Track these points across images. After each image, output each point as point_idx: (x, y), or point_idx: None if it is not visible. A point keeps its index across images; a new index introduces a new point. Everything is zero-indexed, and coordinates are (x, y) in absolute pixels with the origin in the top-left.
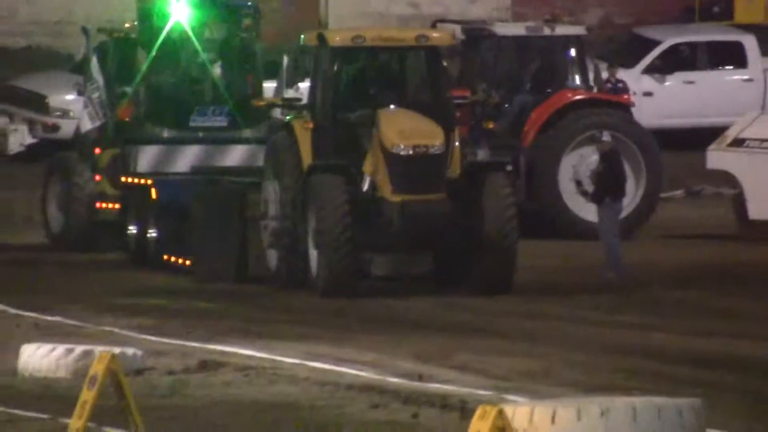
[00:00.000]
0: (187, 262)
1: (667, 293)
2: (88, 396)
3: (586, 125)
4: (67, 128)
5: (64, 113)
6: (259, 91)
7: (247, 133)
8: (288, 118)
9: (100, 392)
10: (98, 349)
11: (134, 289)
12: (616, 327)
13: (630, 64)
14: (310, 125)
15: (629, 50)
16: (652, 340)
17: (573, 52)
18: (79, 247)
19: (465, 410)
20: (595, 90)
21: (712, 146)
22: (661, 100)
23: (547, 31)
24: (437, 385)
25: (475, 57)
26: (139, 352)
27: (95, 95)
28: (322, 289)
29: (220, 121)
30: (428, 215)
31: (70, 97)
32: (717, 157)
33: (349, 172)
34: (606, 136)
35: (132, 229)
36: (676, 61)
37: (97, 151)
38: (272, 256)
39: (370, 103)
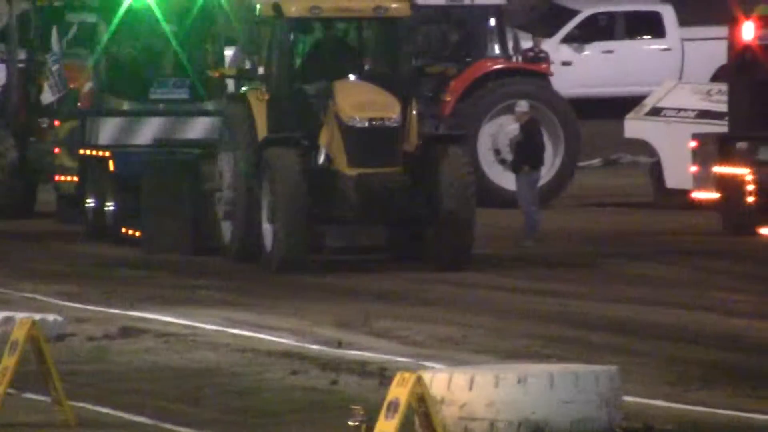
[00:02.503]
0: (137, 234)
1: (584, 260)
2: (8, 362)
3: (505, 94)
4: None
5: None
6: (220, 62)
7: (209, 105)
8: (243, 89)
9: (21, 358)
10: (19, 315)
11: (58, 257)
12: (534, 294)
13: (549, 33)
14: (266, 97)
15: (548, 20)
16: (569, 307)
17: (492, 21)
18: (7, 214)
19: (384, 377)
20: (514, 60)
21: (630, 115)
22: (579, 69)
23: (467, 1)
24: (356, 352)
25: None
26: (60, 318)
27: (55, 67)
28: (277, 263)
29: (181, 93)
30: (384, 188)
31: None
32: (634, 126)
33: (303, 145)
34: (525, 106)
35: (90, 202)
36: (594, 30)
37: (56, 123)
38: (226, 229)
39: (327, 74)
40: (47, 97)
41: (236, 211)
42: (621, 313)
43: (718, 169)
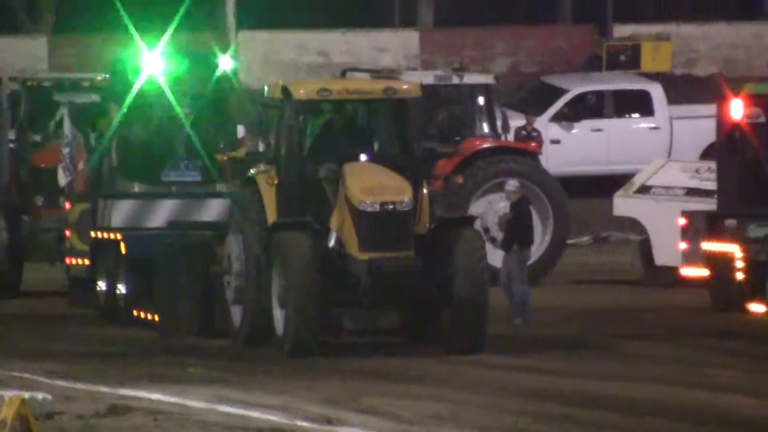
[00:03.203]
0: (156, 317)
1: (574, 337)
2: None
3: (494, 173)
4: None
5: None
6: (233, 145)
7: (222, 187)
8: (252, 172)
9: None
10: (8, 393)
11: (47, 335)
12: (523, 371)
13: (538, 112)
14: (275, 181)
15: (537, 98)
16: (558, 384)
17: (481, 100)
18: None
19: None
20: (503, 138)
21: (619, 193)
22: (568, 147)
23: (455, 80)
24: (346, 428)
25: None
26: (49, 397)
27: (67, 150)
28: (289, 348)
29: (194, 176)
30: (396, 273)
31: None
32: (623, 204)
33: (314, 229)
34: (515, 185)
35: (101, 285)
36: (583, 109)
37: (67, 205)
38: (236, 313)
39: (336, 157)
40: (61, 179)
41: (246, 295)
42: (609, 390)
43: (708, 246)
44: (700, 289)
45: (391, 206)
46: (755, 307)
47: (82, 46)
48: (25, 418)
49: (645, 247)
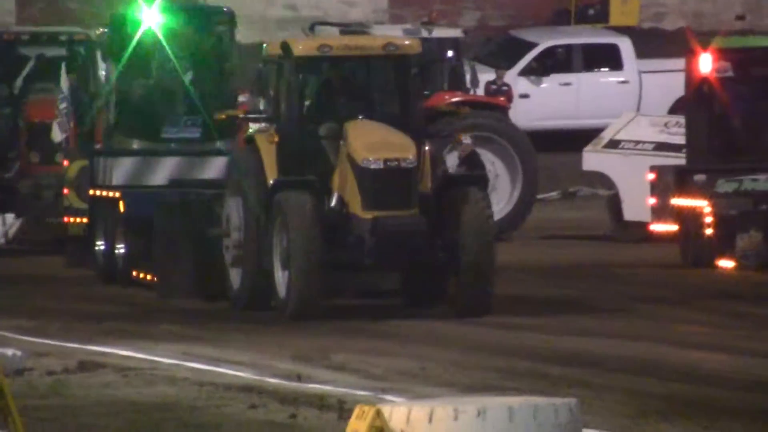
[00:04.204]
0: (155, 278)
1: (542, 293)
2: None
3: (462, 127)
4: None
5: None
6: (233, 101)
7: (222, 144)
8: (250, 131)
9: None
10: None
11: (13, 289)
12: (492, 327)
13: (506, 66)
14: (275, 139)
15: (505, 52)
16: (527, 340)
17: (450, 54)
18: None
19: (343, 410)
20: (471, 93)
21: (588, 148)
22: (537, 101)
23: (424, 34)
24: (315, 386)
25: None
26: (19, 353)
27: (63, 105)
28: (291, 310)
29: (193, 133)
30: (401, 232)
31: None
32: (592, 159)
33: (316, 188)
34: (467, 139)
35: (100, 245)
36: (552, 63)
37: (65, 163)
38: (235, 276)
39: (337, 115)
40: (56, 135)
41: (246, 257)
42: (579, 346)
43: (677, 202)
44: (669, 244)
45: (395, 163)
46: (724, 263)
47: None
48: None
49: (614, 202)
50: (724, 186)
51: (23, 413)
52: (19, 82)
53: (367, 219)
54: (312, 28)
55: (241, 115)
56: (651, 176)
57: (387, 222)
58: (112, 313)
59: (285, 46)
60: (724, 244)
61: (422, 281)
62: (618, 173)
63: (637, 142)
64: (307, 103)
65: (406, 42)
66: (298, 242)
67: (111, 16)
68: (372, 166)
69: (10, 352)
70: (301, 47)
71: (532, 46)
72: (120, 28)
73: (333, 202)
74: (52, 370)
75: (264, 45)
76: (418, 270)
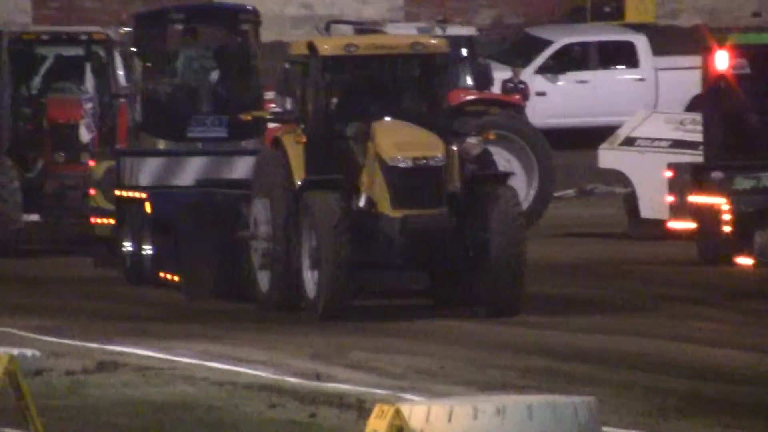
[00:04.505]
0: (176, 279)
1: (560, 291)
2: None
3: (477, 125)
4: None
5: None
6: (258, 101)
7: (249, 144)
8: (277, 132)
9: None
10: None
11: (34, 290)
12: (510, 325)
13: (523, 64)
14: (303, 139)
15: (522, 50)
16: (545, 337)
17: (464, 52)
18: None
19: (362, 409)
20: (487, 91)
21: (604, 145)
22: (553, 99)
23: (438, 32)
24: (334, 385)
25: None
26: (38, 353)
27: (89, 106)
28: (322, 310)
29: (219, 132)
30: (430, 230)
31: None
32: (609, 156)
33: (343, 188)
34: (475, 139)
35: (127, 246)
36: (568, 61)
37: (92, 163)
38: (263, 278)
39: (364, 114)
40: (84, 136)
41: (275, 258)
42: (598, 344)
43: (694, 199)
44: (687, 242)
45: (423, 161)
46: (742, 260)
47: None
48: (14, 374)
49: (631, 200)
50: (742, 183)
51: (42, 413)
52: (37, 81)
53: (396, 218)
54: (327, 26)
55: (267, 116)
56: (668, 174)
57: (416, 221)
58: (133, 314)
59: (311, 46)
60: (742, 241)
61: (451, 280)
62: (634, 171)
63: (654, 140)
64: (333, 102)
65: (433, 41)
66: (327, 242)
67: (136, 15)
68: (401, 165)
69: (29, 352)
70: (327, 47)
71: (548, 43)
72: (145, 28)
73: (361, 202)
74: (71, 370)
75: (290, 45)
76: (447, 269)
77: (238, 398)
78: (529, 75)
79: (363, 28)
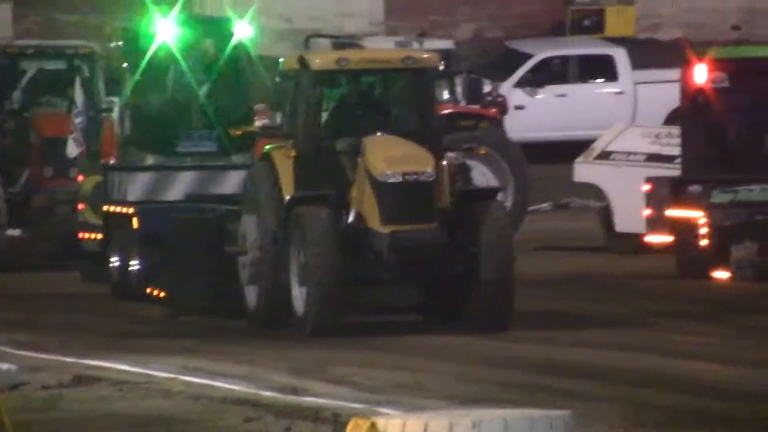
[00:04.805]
0: (162, 295)
1: (540, 305)
2: None
3: (455, 139)
4: None
5: None
6: (249, 115)
7: (239, 158)
8: (266, 147)
9: None
10: None
11: (10, 304)
12: (490, 339)
13: (502, 77)
14: (293, 154)
15: (501, 64)
16: (525, 351)
17: (441, 66)
18: None
19: (338, 423)
20: (462, 104)
21: (579, 159)
22: (532, 113)
23: (416, 46)
24: (311, 399)
25: None
26: (14, 367)
27: (78, 120)
28: (311, 326)
29: (209, 146)
30: (420, 246)
31: None
32: (584, 170)
33: (333, 203)
34: (454, 154)
35: (114, 261)
36: (547, 74)
37: (80, 178)
38: (251, 294)
39: (354, 129)
40: (72, 150)
41: (263, 274)
42: (576, 357)
43: (672, 213)
44: (662, 255)
45: (413, 177)
46: (719, 274)
47: (47, 13)
48: None
49: (605, 214)
50: (720, 197)
51: (19, 428)
52: (21, 95)
53: (385, 233)
54: (307, 40)
55: (257, 131)
56: (646, 187)
57: (406, 236)
58: (110, 328)
59: (302, 60)
60: (719, 255)
61: (441, 296)
62: (609, 184)
63: (629, 153)
64: (324, 117)
65: (425, 55)
66: (316, 258)
67: (124, 28)
68: (390, 180)
69: (5, 366)
70: (319, 61)
71: (527, 57)
72: (134, 41)
73: (351, 217)
74: (48, 384)
75: (281, 59)
76: (436, 284)
77: (214, 412)
78: (508, 88)
79: (340, 42)
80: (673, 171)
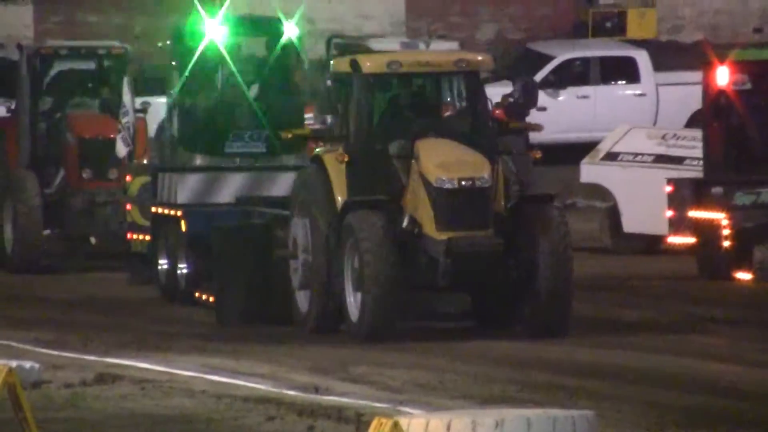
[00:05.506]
0: (211, 299)
1: None
2: None
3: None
4: None
5: None
6: (299, 116)
7: (289, 159)
8: (317, 150)
9: None
10: None
11: (33, 302)
12: (510, 340)
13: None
14: (345, 158)
15: (523, 65)
16: (545, 352)
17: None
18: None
19: (361, 422)
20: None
21: (586, 159)
22: (554, 114)
23: (422, 47)
24: (333, 398)
25: None
26: (37, 365)
27: (125, 120)
28: (366, 333)
29: (258, 147)
30: (477, 252)
31: None
32: (590, 171)
33: (387, 208)
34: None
35: (162, 263)
36: (569, 76)
37: (128, 178)
38: (302, 299)
39: (407, 132)
40: (120, 150)
41: (315, 279)
42: (597, 358)
43: (694, 214)
44: (676, 256)
45: (469, 182)
46: (741, 275)
47: (69, 14)
48: (13, 387)
49: (612, 214)
50: (742, 198)
51: (40, 426)
52: (55, 96)
53: (441, 240)
54: (329, 41)
55: (308, 134)
56: (668, 188)
57: (462, 243)
58: (132, 326)
59: (354, 64)
60: (741, 256)
61: (494, 302)
62: (616, 185)
63: (636, 154)
64: (376, 120)
65: (478, 57)
66: (372, 264)
67: (173, 28)
68: (446, 186)
69: (28, 364)
70: (370, 64)
71: (549, 58)
72: (181, 40)
73: (405, 223)
74: (70, 382)
75: (332, 62)
76: (490, 291)
77: (237, 411)
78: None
79: (343, 44)
80: (682, 172)
